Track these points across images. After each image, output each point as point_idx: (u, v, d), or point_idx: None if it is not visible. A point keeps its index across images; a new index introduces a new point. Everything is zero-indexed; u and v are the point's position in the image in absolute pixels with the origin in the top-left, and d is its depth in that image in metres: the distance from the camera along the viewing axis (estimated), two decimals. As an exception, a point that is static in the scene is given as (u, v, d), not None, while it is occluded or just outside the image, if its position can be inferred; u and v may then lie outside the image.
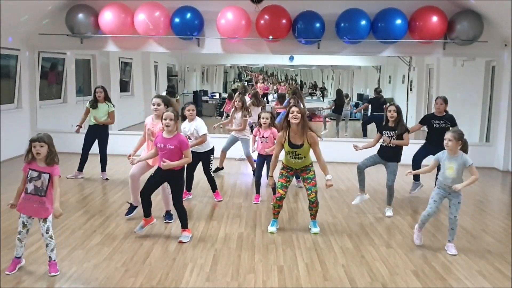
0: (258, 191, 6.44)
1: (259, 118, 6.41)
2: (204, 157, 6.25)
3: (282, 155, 5.24)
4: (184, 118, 6.11)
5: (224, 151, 7.92)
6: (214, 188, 6.47)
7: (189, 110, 6.04)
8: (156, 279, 4.01)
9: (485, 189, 7.70)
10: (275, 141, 5.82)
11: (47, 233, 4.01)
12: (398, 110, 5.80)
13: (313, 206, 5.18)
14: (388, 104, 6.06)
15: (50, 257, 4.06)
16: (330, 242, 4.96)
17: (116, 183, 7.33)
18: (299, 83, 20.05)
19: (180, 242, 4.82)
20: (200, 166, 6.31)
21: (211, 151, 6.31)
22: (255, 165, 7.85)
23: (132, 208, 5.59)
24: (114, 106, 7.47)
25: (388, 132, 5.82)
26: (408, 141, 5.82)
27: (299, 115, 4.94)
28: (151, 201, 4.93)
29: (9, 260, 4.26)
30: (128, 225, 5.33)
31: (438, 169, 4.84)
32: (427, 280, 4.12)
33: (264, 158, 6.33)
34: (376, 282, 4.05)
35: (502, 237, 5.30)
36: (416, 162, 6.71)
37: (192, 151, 5.92)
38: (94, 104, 7.32)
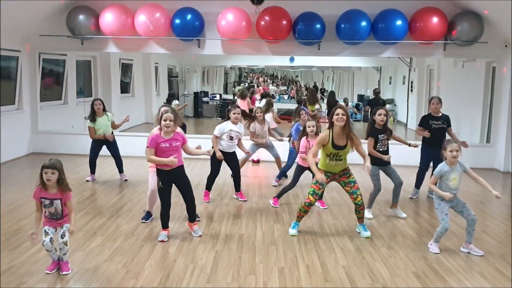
0: (280, 196, 6.38)
1: (304, 128, 6.21)
2: (232, 156, 6.37)
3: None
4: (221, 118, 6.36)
5: (245, 158, 7.80)
6: (238, 188, 6.60)
7: (234, 114, 6.24)
8: (157, 280, 4.01)
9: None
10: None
11: (62, 238, 4.04)
12: (388, 114, 5.83)
13: (360, 209, 5.12)
14: (377, 108, 5.94)
15: (61, 258, 4.10)
16: (330, 243, 4.96)
17: (116, 184, 7.33)
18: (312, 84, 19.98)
19: (200, 236, 5.05)
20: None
21: (235, 152, 6.45)
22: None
23: (148, 214, 5.60)
24: (112, 114, 7.49)
25: (382, 135, 5.76)
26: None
27: (345, 117, 4.84)
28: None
29: (10, 262, 4.27)
30: (129, 227, 5.33)
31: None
32: (428, 281, 4.12)
33: (304, 169, 6.17)
34: (377, 283, 4.05)
35: (502, 238, 5.29)
36: (422, 173, 6.81)
37: (224, 152, 6.22)
38: (93, 118, 7.26)
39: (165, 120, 4.74)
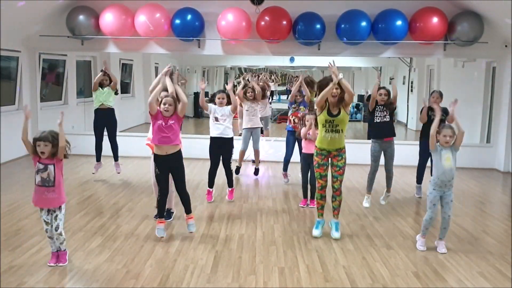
0: (305, 195, 6.35)
1: (303, 119, 6.30)
2: (227, 145, 6.26)
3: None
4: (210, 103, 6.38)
5: (243, 150, 7.81)
6: (230, 184, 6.48)
7: (219, 98, 6.21)
8: (157, 280, 4.01)
9: (486, 190, 7.70)
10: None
11: (56, 230, 4.12)
12: (389, 93, 5.98)
13: (337, 194, 5.12)
14: (379, 87, 6.11)
15: (59, 247, 4.19)
16: (331, 243, 4.96)
17: (117, 184, 7.33)
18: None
19: (191, 232, 5.00)
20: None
21: (232, 140, 6.35)
22: (259, 164, 7.88)
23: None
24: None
25: (379, 106, 5.95)
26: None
27: (338, 91, 4.86)
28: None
29: (10, 262, 4.27)
30: (129, 227, 5.33)
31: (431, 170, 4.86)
32: (428, 281, 4.12)
33: (308, 161, 6.14)
34: (377, 283, 4.05)
35: (503, 238, 5.29)
36: (422, 167, 6.81)
37: (217, 137, 6.18)
38: (100, 86, 7.42)
39: (164, 104, 4.78)
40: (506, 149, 8.97)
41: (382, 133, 5.92)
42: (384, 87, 6.17)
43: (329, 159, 5.12)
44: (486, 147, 9.49)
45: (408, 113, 14.96)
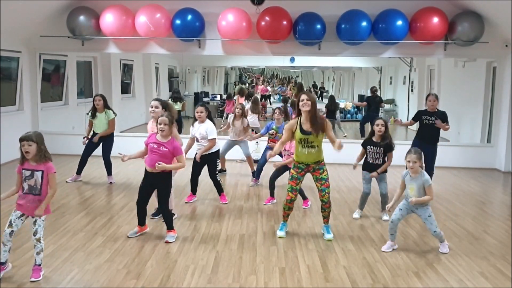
0: (272, 194, 6.41)
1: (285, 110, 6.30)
2: (210, 160, 6.25)
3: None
4: (195, 119, 6.28)
5: (222, 155, 7.90)
6: (220, 190, 6.46)
7: (197, 112, 6.12)
8: (157, 281, 4.01)
9: (487, 190, 7.69)
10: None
11: (34, 235, 3.96)
12: (386, 125, 5.71)
13: (326, 207, 5.07)
14: (377, 118, 5.95)
15: (35, 259, 4.01)
16: (331, 244, 4.96)
17: (117, 185, 7.34)
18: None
19: (167, 242, 4.86)
20: (204, 170, 6.35)
21: (217, 153, 6.33)
22: (255, 167, 7.89)
23: (158, 212, 5.56)
24: (115, 114, 7.38)
25: (372, 147, 5.71)
26: (391, 161, 5.72)
27: (309, 102, 4.80)
28: (146, 211, 5.03)
29: (11, 262, 4.27)
30: (130, 227, 5.32)
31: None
32: (429, 281, 4.12)
33: (284, 168, 6.14)
34: (378, 283, 4.05)
35: (503, 238, 5.29)
36: None
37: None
38: (93, 114, 7.26)
39: (160, 124, 4.74)
40: (507, 149, 8.96)
41: (370, 168, 5.73)
42: (381, 118, 5.90)
43: (307, 173, 5.05)
44: (487, 147, 9.48)
45: (408, 113, 14.93)
